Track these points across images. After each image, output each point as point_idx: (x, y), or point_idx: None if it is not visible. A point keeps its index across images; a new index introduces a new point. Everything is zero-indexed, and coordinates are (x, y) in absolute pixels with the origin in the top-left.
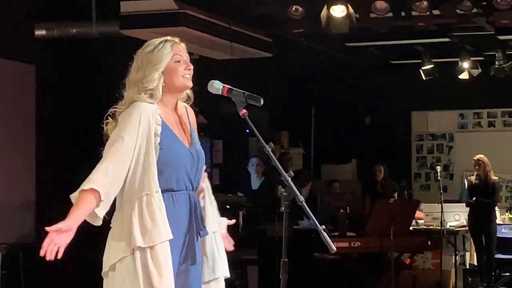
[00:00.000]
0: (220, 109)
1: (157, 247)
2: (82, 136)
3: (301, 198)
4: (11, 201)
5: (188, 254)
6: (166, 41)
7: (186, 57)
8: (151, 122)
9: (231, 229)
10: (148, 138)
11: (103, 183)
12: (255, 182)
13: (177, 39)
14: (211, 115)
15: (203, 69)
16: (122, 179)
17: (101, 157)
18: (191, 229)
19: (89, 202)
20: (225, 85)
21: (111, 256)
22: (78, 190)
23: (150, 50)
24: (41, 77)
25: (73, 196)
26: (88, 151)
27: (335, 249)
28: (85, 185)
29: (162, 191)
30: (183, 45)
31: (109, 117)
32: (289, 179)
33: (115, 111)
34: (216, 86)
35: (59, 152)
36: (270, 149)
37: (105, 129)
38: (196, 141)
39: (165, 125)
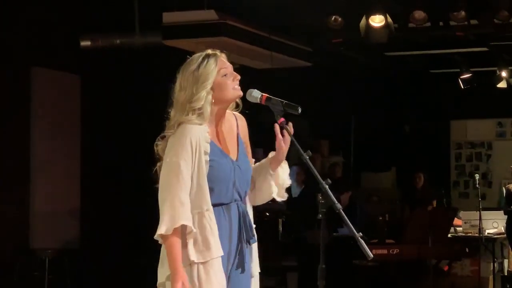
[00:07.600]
0: (259, 117)
1: (208, 263)
2: (126, 144)
3: (338, 206)
4: (57, 208)
5: (239, 262)
6: (208, 56)
7: (230, 67)
8: (200, 142)
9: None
10: (199, 159)
11: (187, 215)
12: (295, 191)
13: (217, 51)
14: (251, 123)
15: (244, 79)
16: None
17: (157, 180)
18: (241, 238)
19: (179, 245)
20: (263, 94)
21: (167, 267)
22: (166, 227)
23: (194, 68)
24: (86, 86)
25: (164, 235)
26: (131, 159)
27: (372, 256)
28: (175, 223)
29: (214, 205)
30: (224, 55)
31: (159, 139)
32: (327, 186)
33: (164, 136)
34: (255, 95)
35: (103, 160)
36: (307, 157)
37: (155, 149)
38: (243, 152)
39: (212, 142)
